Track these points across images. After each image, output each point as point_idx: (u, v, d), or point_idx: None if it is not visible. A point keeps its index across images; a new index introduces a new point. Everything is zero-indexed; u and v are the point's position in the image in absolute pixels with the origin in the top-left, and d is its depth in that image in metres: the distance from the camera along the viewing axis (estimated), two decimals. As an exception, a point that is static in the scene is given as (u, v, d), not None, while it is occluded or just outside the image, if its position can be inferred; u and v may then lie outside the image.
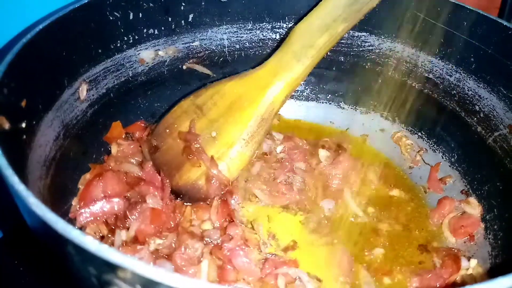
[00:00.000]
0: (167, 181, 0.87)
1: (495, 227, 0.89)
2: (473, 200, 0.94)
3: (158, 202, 0.83)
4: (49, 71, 0.79)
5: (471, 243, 0.90)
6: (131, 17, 0.92)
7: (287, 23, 1.06)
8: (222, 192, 0.89)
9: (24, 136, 0.69)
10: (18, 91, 0.69)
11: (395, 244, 0.89)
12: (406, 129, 1.08)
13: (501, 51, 0.88)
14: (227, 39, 1.05)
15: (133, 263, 0.41)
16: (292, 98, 1.09)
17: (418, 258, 0.87)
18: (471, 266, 0.84)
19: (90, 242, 0.42)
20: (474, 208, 0.93)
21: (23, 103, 0.70)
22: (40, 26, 0.75)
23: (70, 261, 0.48)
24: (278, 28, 1.06)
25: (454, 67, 0.96)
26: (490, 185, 0.93)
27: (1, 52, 0.85)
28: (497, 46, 0.88)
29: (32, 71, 0.74)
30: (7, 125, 0.63)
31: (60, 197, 0.79)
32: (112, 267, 0.41)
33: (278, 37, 1.07)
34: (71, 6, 0.82)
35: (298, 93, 1.14)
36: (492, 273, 0.82)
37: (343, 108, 1.14)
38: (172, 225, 0.83)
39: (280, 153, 0.99)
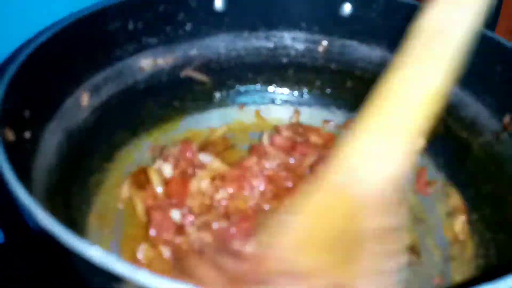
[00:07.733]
0: None
1: (481, 229, 0.92)
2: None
3: None
4: (52, 81, 0.81)
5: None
6: (130, 27, 0.94)
7: (281, 32, 1.09)
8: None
9: (28, 146, 0.72)
10: (22, 101, 0.71)
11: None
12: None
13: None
14: (223, 47, 1.08)
15: (140, 276, 0.42)
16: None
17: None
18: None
19: (95, 255, 0.44)
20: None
21: (27, 113, 0.73)
22: (42, 39, 0.78)
23: (75, 271, 0.50)
24: (273, 37, 1.10)
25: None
26: (475, 189, 0.96)
27: (6, 62, 0.87)
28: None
29: (35, 81, 0.76)
30: (12, 137, 0.66)
31: (62, 203, 0.82)
32: (118, 280, 0.43)
33: (272, 45, 1.10)
34: (73, 17, 0.84)
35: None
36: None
37: (335, 113, 1.14)
38: None
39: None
